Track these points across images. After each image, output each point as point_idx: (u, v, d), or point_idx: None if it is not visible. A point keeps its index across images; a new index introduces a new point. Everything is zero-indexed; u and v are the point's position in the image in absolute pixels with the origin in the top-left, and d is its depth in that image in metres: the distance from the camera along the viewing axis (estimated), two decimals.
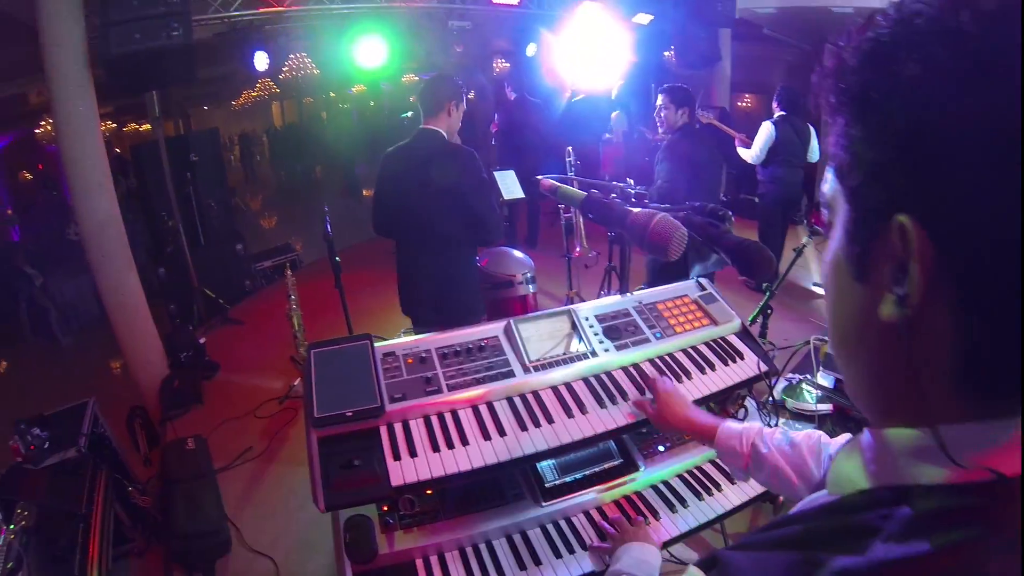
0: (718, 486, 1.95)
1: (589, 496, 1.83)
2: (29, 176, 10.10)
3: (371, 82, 8.19)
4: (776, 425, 1.97)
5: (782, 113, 5.81)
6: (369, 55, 6.36)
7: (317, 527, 3.29)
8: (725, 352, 2.02)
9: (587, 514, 1.83)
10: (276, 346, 5.19)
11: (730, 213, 2.00)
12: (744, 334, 2.11)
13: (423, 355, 1.76)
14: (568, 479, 1.85)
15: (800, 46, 8.34)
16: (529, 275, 2.06)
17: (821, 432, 1.35)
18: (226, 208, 7.29)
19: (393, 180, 3.10)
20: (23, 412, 3.14)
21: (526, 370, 1.78)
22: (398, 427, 1.62)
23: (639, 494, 1.92)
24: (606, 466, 1.91)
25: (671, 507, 1.88)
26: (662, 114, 4.22)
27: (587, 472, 1.88)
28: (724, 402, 2.08)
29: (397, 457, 1.54)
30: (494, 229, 3.01)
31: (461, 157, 3.04)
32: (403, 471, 1.51)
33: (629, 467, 1.92)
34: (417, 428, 1.63)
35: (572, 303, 2.06)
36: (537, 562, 1.67)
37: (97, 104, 4.16)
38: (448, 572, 1.63)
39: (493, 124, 7.31)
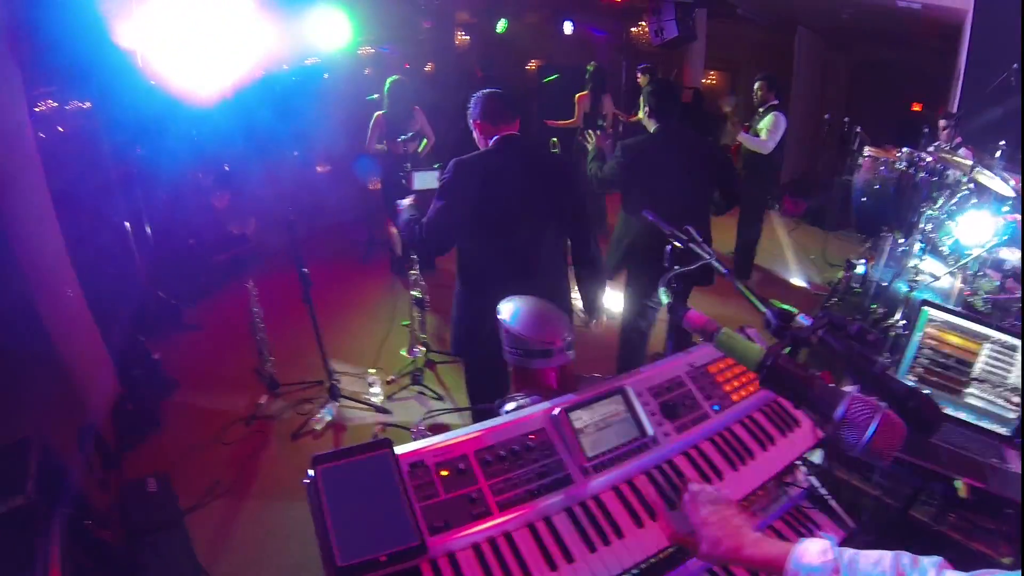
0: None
1: None
2: None
3: (326, 55, 7.64)
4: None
5: (776, 101, 5.81)
6: (331, 35, 5.86)
7: (302, 571, 3.02)
8: (781, 419, 1.83)
9: None
10: (238, 355, 4.84)
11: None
12: None
13: (460, 465, 1.48)
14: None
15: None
16: (570, 339, 1.77)
17: (903, 553, 1.15)
18: (175, 199, 6.72)
19: (483, 191, 2.90)
20: None
21: (584, 472, 1.53)
22: (445, 566, 1.35)
23: (710, 570, 1.72)
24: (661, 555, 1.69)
25: None
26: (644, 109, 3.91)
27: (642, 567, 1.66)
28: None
29: None
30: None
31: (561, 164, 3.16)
32: None
33: (683, 550, 1.70)
34: (468, 565, 1.36)
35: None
36: None
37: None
38: None
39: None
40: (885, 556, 1.18)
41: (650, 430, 1.64)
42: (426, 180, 4.88)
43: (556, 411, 1.60)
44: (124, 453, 3.88)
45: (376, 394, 4.55)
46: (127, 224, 5.43)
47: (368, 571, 1.29)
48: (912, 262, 4.68)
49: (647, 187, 3.72)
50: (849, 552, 1.24)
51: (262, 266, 6.10)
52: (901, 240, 5.22)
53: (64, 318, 4.01)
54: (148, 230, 5.93)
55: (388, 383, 4.72)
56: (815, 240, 7.54)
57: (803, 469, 2.02)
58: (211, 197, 6.75)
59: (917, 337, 2.49)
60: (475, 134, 3.08)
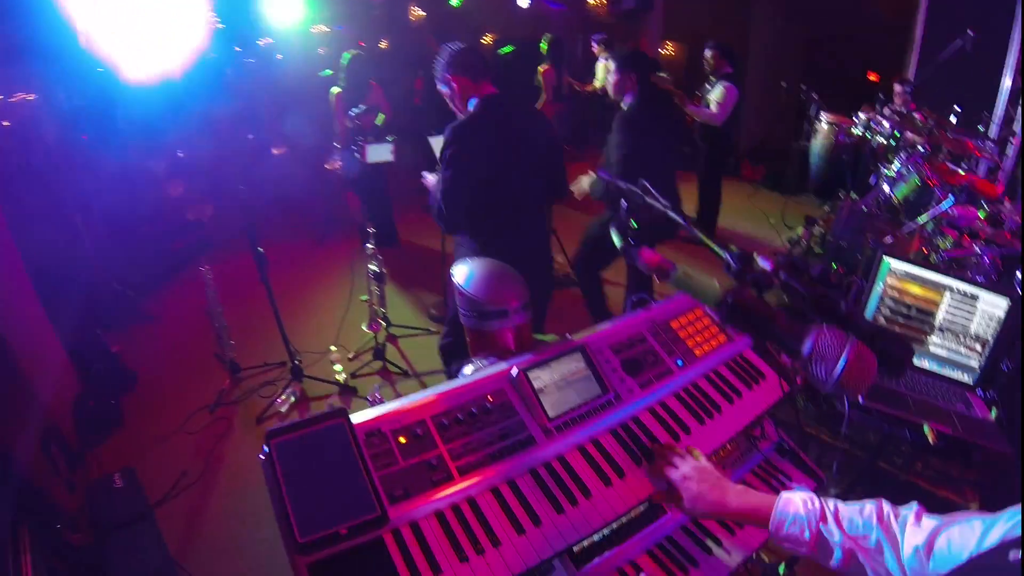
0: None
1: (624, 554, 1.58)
2: None
3: (279, 35, 7.46)
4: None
5: (730, 70, 5.81)
6: (283, 14, 5.71)
7: (276, 556, 2.95)
8: (747, 373, 1.81)
9: (622, 571, 1.58)
10: (198, 342, 4.72)
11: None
12: (758, 346, 1.90)
13: (418, 431, 1.42)
14: (596, 538, 1.59)
15: None
16: (526, 300, 1.72)
17: (883, 502, 1.19)
18: (126, 186, 6.51)
19: (488, 154, 2.93)
20: None
21: (547, 433, 1.49)
22: (408, 534, 1.30)
23: (670, 539, 1.70)
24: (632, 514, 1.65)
25: (706, 550, 1.67)
26: (610, 77, 3.88)
27: (613, 527, 1.63)
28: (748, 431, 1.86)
29: None
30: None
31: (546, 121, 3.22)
32: None
33: (655, 509, 1.67)
34: (432, 532, 1.31)
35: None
36: None
37: None
38: None
39: (417, 81, 6.75)
40: (867, 504, 1.19)
41: (612, 387, 1.60)
42: (379, 153, 4.81)
43: (514, 371, 1.55)
44: (88, 451, 3.75)
45: (339, 372, 4.47)
46: (77, 216, 5.25)
47: (329, 545, 1.24)
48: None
49: (639, 154, 3.73)
50: (832, 501, 1.23)
51: (219, 250, 5.98)
52: (858, 200, 5.26)
53: (15, 317, 3.81)
54: (99, 220, 5.75)
55: (350, 360, 4.65)
56: (774, 205, 7.59)
57: (771, 423, 2.01)
58: (166, 186, 6.55)
59: (878, 288, 2.50)
60: (447, 92, 3.02)
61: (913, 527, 1.10)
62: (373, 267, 4.35)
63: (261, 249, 3.74)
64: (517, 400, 1.53)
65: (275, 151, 7.51)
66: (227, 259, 5.04)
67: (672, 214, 1.52)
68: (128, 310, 5.40)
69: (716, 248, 1.28)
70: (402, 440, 1.41)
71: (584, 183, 3.80)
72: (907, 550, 1.09)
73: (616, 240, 1.47)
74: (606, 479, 1.45)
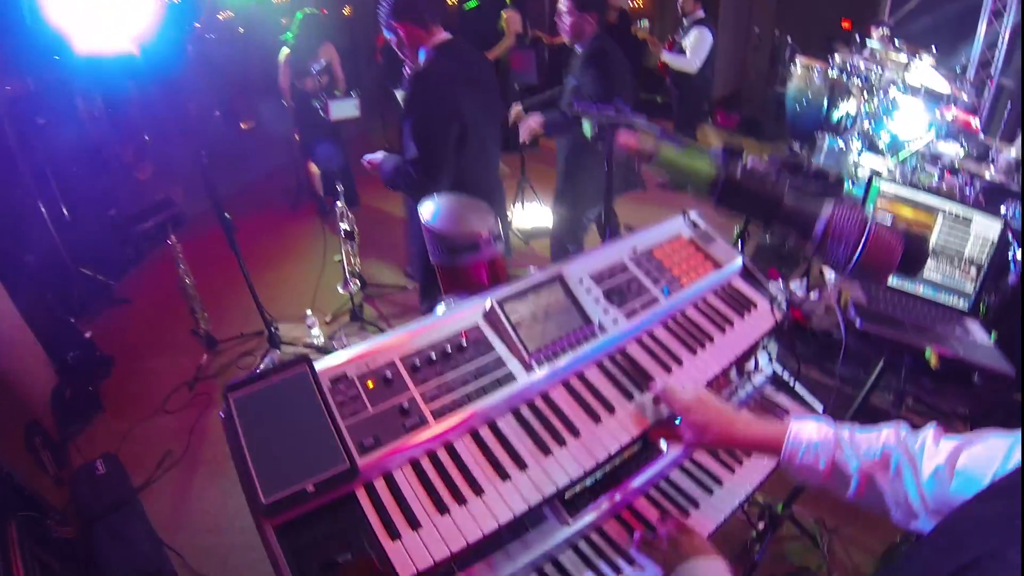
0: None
1: (617, 497, 1.48)
2: None
3: (238, 6, 7.22)
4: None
5: (702, 15, 5.67)
6: None
7: None
8: (736, 302, 1.71)
9: (619, 518, 1.49)
10: (172, 320, 4.61)
11: None
12: (747, 274, 1.80)
13: (387, 373, 1.30)
14: (589, 482, 1.49)
15: None
16: (497, 231, 1.60)
17: (900, 424, 1.10)
18: (91, 171, 6.32)
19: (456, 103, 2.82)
20: None
21: (527, 367, 1.37)
22: (381, 487, 1.18)
23: (668, 480, 1.60)
24: (625, 455, 1.55)
25: (707, 490, 1.59)
26: (565, 20, 3.70)
27: (606, 469, 1.53)
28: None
29: (395, 535, 1.11)
30: None
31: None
32: (411, 554, 1.09)
33: (649, 450, 1.58)
34: (407, 483, 1.20)
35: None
36: None
37: None
38: None
39: (378, 38, 6.52)
40: (884, 428, 1.11)
41: (595, 317, 1.48)
42: (344, 109, 4.65)
43: (488, 304, 1.42)
44: (70, 441, 3.69)
45: (316, 336, 4.37)
46: (39, 205, 5.07)
47: (296, 505, 1.12)
48: (851, 158, 4.62)
49: (615, 85, 3.59)
50: (847, 427, 1.15)
51: (190, 228, 5.86)
52: (837, 138, 5.16)
53: None
54: (63, 207, 5.56)
55: (328, 323, 4.57)
56: (751, 150, 7.47)
57: (764, 355, 1.92)
58: (134, 171, 6.38)
59: (869, 209, 2.39)
60: (394, 40, 2.87)
61: (932, 448, 1.02)
62: (344, 226, 4.23)
63: (228, 215, 3.61)
64: (493, 335, 1.41)
65: (243, 125, 7.30)
66: (198, 235, 4.90)
67: (646, 124, 1.40)
68: (100, 295, 5.27)
69: (702, 147, 1.16)
70: (370, 385, 1.29)
71: (533, 122, 3.64)
72: (927, 473, 1.00)
73: (587, 130, 1.36)
74: (595, 415, 1.34)
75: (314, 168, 5.88)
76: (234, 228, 3.59)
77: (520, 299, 1.45)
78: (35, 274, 5.08)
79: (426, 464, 1.23)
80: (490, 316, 1.43)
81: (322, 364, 1.31)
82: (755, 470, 1.67)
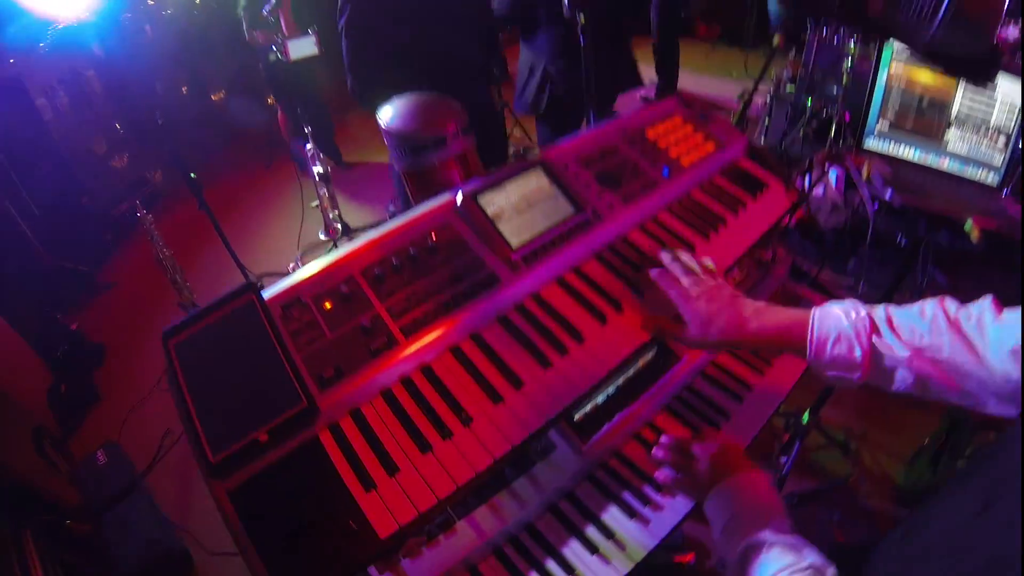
0: None
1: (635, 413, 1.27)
2: None
3: None
4: None
5: None
6: None
7: None
8: (746, 182, 1.47)
9: (639, 438, 1.28)
10: (159, 296, 4.43)
11: None
12: (755, 153, 1.56)
13: (345, 290, 1.07)
14: (600, 398, 1.27)
15: None
16: (464, 124, 1.35)
17: (946, 299, 0.86)
18: (61, 167, 6.10)
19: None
20: None
21: (513, 267, 1.14)
22: (349, 427, 0.97)
23: (691, 389, 1.39)
24: (639, 363, 1.33)
25: (737, 398, 1.37)
26: None
27: (619, 382, 1.31)
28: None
29: (369, 485, 0.90)
30: None
31: None
32: (390, 507, 0.88)
33: (668, 356, 1.35)
34: (380, 419, 0.98)
35: None
36: (608, 534, 1.13)
37: None
38: None
39: None
40: (926, 304, 0.85)
41: (589, 204, 1.24)
42: (302, 47, 4.43)
43: (460, 198, 1.19)
44: (71, 435, 3.62)
45: None
46: (6, 203, 4.85)
47: (249, 459, 0.92)
48: (850, 49, 4.32)
49: None
50: (882, 307, 0.89)
51: (168, 202, 5.79)
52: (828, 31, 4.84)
53: None
54: (33, 206, 5.35)
55: None
56: (735, 59, 7.16)
57: (779, 246, 1.69)
58: (109, 160, 6.18)
59: (883, 76, 2.14)
60: None
61: (996, 323, 0.79)
62: (317, 168, 4.05)
63: (193, 175, 3.38)
64: (468, 232, 1.17)
65: (214, 97, 7.02)
66: (179, 210, 4.73)
67: None
68: (84, 285, 5.16)
69: None
70: (327, 306, 1.06)
71: None
72: (998, 351, 0.77)
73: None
74: (600, 316, 1.11)
75: (280, 115, 5.71)
76: (201, 186, 3.36)
77: (497, 189, 1.21)
78: (14, 277, 4.94)
79: (400, 393, 1.02)
80: (464, 211, 1.19)
81: (271, 290, 1.10)
82: (787, 371, 1.46)
